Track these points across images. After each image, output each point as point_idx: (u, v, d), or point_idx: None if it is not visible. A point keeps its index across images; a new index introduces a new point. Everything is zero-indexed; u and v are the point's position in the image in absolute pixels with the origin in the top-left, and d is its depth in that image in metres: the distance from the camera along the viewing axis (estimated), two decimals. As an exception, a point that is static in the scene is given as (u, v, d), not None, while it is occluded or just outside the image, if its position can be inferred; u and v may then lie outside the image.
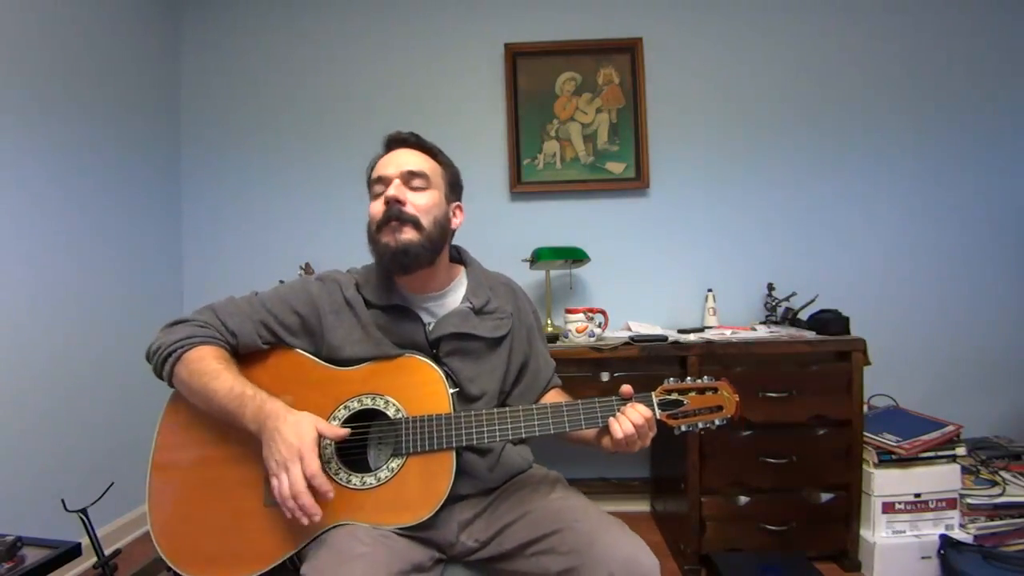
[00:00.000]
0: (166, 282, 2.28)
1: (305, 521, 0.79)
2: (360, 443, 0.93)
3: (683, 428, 0.93)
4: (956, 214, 2.20)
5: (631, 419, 0.88)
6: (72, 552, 1.08)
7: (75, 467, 1.78)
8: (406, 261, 0.94)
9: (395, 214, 0.94)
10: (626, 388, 0.92)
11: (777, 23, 2.25)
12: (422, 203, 0.97)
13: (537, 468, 1.10)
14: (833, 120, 2.23)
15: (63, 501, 1.18)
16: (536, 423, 0.91)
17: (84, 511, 1.19)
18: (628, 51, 2.25)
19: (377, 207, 0.97)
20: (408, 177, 0.97)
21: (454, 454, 0.89)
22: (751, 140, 2.24)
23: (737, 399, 0.94)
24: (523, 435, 0.91)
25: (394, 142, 1.02)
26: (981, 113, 2.19)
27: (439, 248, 0.99)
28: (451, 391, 0.92)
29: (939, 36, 2.20)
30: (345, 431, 0.87)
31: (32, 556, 1.05)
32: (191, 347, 0.90)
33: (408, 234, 0.94)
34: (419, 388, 0.92)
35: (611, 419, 0.90)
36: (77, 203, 1.84)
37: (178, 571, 0.88)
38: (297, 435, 0.81)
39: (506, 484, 1.03)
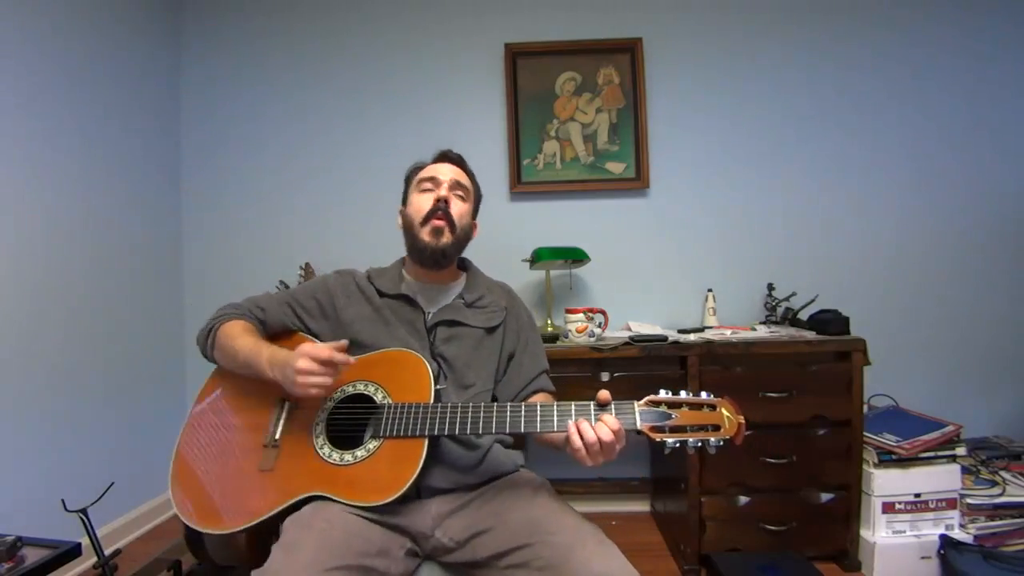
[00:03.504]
0: (166, 284, 2.28)
1: (332, 379, 0.94)
2: (348, 422, 1.01)
3: (671, 443, 0.85)
4: (956, 214, 2.20)
5: (597, 432, 0.84)
6: (72, 552, 1.09)
7: (75, 467, 1.78)
8: (443, 261, 1.13)
9: (442, 209, 1.12)
10: (603, 394, 0.88)
11: (776, 23, 2.25)
12: (459, 210, 1.15)
13: (524, 472, 1.09)
14: (833, 120, 2.23)
15: (63, 501, 1.18)
16: (508, 419, 0.92)
17: (84, 511, 1.19)
18: (628, 51, 2.25)
19: (425, 201, 1.14)
20: (455, 185, 1.16)
21: (426, 442, 0.94)
22: (751, 140, 2.24)
23: (740, 421, 0.85)
24: (493, 431, 0.92)
25: (442, 157, 1.21)
26: (983, 110, 2.19)
27: (461, 251, 1.19)
28: (436, 387, 0.99)
29: (948, 40, 2.20)
30: (343, 343, 0.99)
31: (32, 556, 1.06)
32: (224, 321, 1.10)
33: (446, 237, 1.11)
34: (408, 380, 1.01)
35: (570, 424, 0.86)
36: (76, 201, 1.84)
37: (184, 520, 0.96)
38: (292, 356, 0.94)
39: (488, 485, 1.03)
